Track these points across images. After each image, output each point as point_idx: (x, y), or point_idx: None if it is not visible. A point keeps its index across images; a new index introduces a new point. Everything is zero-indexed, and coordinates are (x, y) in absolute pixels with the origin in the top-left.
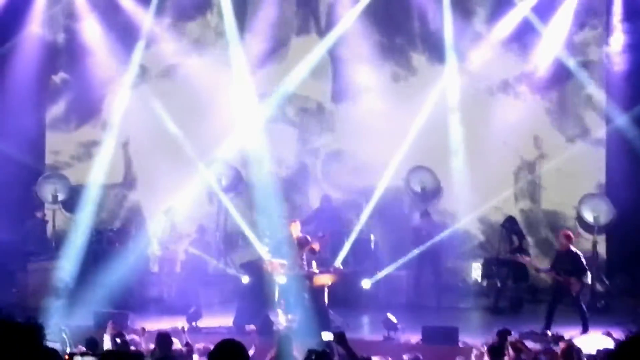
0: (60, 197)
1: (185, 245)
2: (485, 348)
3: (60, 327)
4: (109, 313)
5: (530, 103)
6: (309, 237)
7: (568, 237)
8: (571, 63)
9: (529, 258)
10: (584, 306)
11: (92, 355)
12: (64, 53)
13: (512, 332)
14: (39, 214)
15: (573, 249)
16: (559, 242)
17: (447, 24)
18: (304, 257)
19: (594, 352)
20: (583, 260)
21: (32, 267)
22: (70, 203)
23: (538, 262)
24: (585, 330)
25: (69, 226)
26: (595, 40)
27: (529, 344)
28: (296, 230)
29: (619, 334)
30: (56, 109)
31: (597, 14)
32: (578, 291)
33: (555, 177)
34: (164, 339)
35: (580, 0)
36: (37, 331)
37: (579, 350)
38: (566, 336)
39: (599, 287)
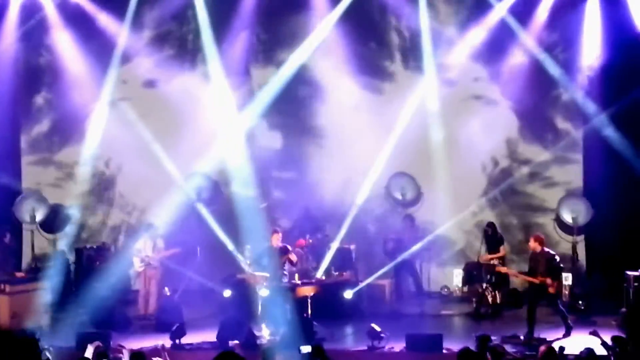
0: (39, 217)
1: (167, 261)
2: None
3: (44, 348)
4: (91, 333)
5: (503, 108)
6: (289, 247)
7: (540, 240)
8: (547, 64)
9: (505, 267)
10: (562, 307)
11: None
12: (44, 71)
13: (494, 338)
14: (5, 238)
15: (546, 250)
16: (532, 246)
17: (425, 32)
18: (286, 268)
19: (577, 353)
20: (557, 259)
21: (11, 289)
22: (49, 223)
23: (513, 268)
24: (567, 332)
25: (48, 247)
26: (568, 39)
27: (511, 348)
28: (277, 241)
29: (605, 334)
30: (38, 129)
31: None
32: (555, 292)
33: (530, 182)
34: (137, 358)
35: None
36: (34, 343)
37: (561, 350)
38: (550, 339)
39: (578, 288)
